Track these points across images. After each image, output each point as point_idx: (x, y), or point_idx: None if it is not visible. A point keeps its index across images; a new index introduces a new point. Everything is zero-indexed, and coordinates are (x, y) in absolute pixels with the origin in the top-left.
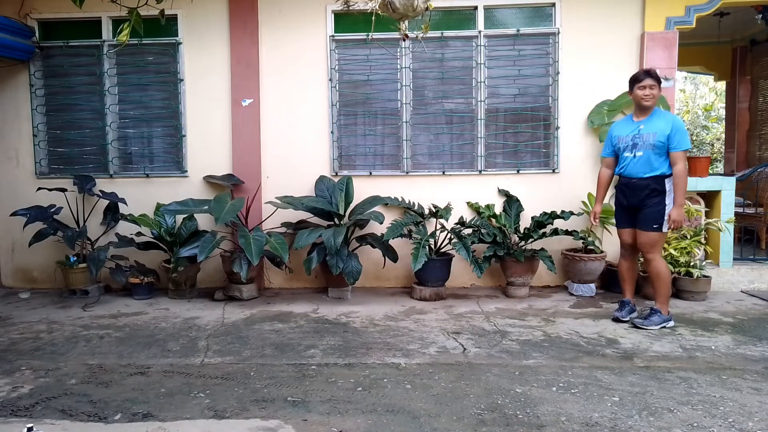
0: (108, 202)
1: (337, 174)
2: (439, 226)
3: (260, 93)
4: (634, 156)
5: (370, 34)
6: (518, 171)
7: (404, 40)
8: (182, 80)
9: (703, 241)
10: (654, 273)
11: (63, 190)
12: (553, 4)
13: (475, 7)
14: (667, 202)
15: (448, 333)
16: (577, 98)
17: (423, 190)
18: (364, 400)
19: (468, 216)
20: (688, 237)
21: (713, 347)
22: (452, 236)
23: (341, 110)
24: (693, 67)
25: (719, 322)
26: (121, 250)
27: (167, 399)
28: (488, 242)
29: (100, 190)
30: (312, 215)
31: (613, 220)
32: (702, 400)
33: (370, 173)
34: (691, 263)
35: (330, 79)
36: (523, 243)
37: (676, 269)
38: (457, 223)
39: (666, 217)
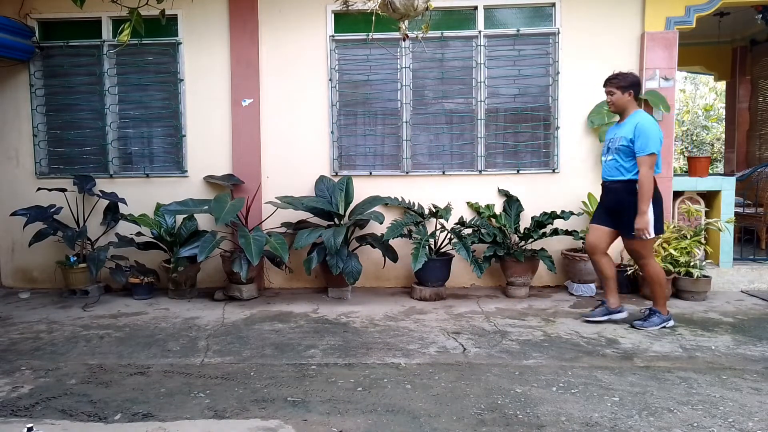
0: (108, 202)
1: (337, 174)
2: (439, 226)
3: (260, 93)
4: (606, 160)
5: (370, 34)
6: (518, 171)
7: (404, 40)
8: (182, 80)
9: (703, 241)
10: (647, 276)
11: (63, 190)
12: (553, 4)
13: (475, 7)
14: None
15: (448, 333)
16: (577, 98)
17: (423, 190)
18: (364, 400)
19: (468, 216)
20: (688, 237)
21: (713, 347)
22: (452, 236)
23: (341, 110)
24: (693, 67)
25: (719, 322)
26: (121, 250)
27: (167, 399)
28: (488, 242)
29: (100, 190)
30: (312, 215)
31: None
32: (702, 400)
33: (370, 173)
34: (691, 263)
35: (330, 79)
36: (523, 243)
37: (676, 269)
38: (457, 223)
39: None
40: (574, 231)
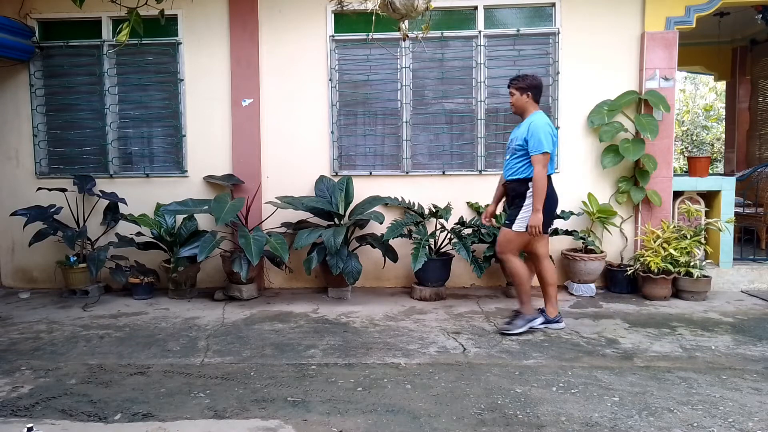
0: (108, 202)
1: (337, 174)
2: (439, 226)
3: (260, 93)
4: (505, 160)
5: (370, 34)
6: None
7: (404, 40)
8: (182, 80)
9: (703, 241)
10: (508, 274)
11: (63, 190)
12: (553, 4)
13: (475, 7)
14: (525, 204)
15: (448, 333)
16: (577, 98)
17: (423, 190)
18: (364, 400)
19: (468, 216)
20: (688, 237)
21: (713, 347)
22: (452, 236)
23: (341, 110)
24: (693, 67)
25: (719, 322)
26: (121, 250)
27: (167, 399)
28: (488, 242)
29: (100, 190)
30: (312, 215)
31: (613, 220)
32: (702, 400)
33: (370, 173)
34: (691, 263)
35: (330, 79)
36: None
37: (676, 269)
38: (457, 223)
39: (521, 219)
40: (574, 231)
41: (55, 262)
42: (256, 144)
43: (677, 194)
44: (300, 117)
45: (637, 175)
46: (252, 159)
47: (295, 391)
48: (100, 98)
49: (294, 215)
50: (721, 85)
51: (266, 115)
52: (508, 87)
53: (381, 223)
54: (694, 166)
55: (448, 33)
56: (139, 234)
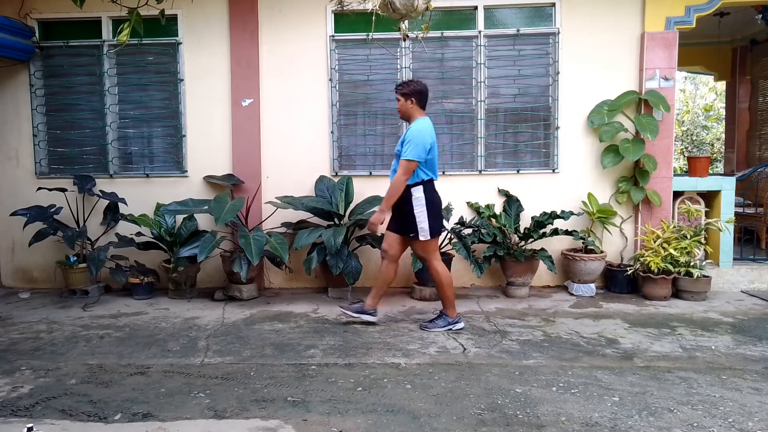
0: (108, 202)
1: (337, 174)
2: None
3: (260, 93)
4: (393, 165)
5: (370, 34)
6: (518, 171)
7: (404, 40)
8: (182, 80)
9: (703, 241)
10: (434, 278)
11: (63, 190)
12: (553, 4)
13: (475, 7)
14: (416, 212)
15: (448, 333)
16: (577, 98)
17: None
18: (364, 400)
19: (468, 216)
20: (688, 237)
21: (713, 347)
22: (452, 236)
23: (341, 110)
24: (693, 67)
25: (719, 322)
26: (121, 250)
27: (167, 399)
28: (488, 242)
29: (100, 190)
30: (312, 215)
31: (613, 220)
32: (702, 400)
33: (370, 173)
34: (691, 263)
35: (330, 79)
36: (523, 243)
37: (676, 269)
38: (457, 223)
39: (419, 226)
40: (574, 231)
41: (55, 262)
42: (256, 144)
43: (677, 194)
44: (300, 117)
45: (637, 175)
46: (252, 159)
47: (295, 391)
48: (100, 98)
49: (294, 215)
50: (721, 85)
51: (266, 115)
52: (396, 92)
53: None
54: (694, 166)
55: (448, 33)
56: (139, 234)
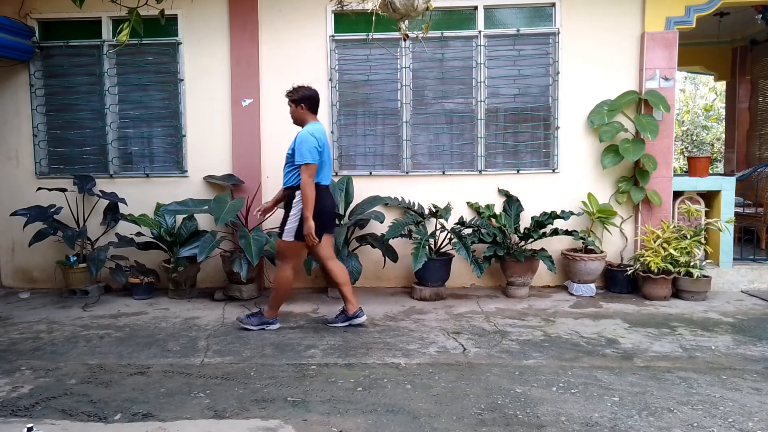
0: (108, 202)
1: (337, 174)
2: (439, 226)
3: (260, 93)
4: (284, 168)
5: (370, 34)
6: (518, 171)
7: (404, 40)
8: (182, 80)
9: (703, 241)
10: (274, 280)
11: (63, 190)
12: (553, 4)
13: (475, 7)
14: (292, 212)
15: (448, 333)
16: (577, 98)
17: (423, 190)
18: (364, 400)
19: (468, 216)
20: (688, 237)
21: (713, 347)
22: (452, 236)
23: (341, 110)
24: (693, 67)
25: (719, 322)
26: (121, 250)
27: (167, 399)
28: (488, 242)
29: (100, 190)
30: None
31: (613, 220)
32: (702, 400)
33: (370, 173)
34: (691, 263)
35: (330, 79)
36: (523, 243)
37: (676, 269)
38: (457, 223)
39: (288, 230)
40: (574, 231)
41: (55, 262)
42: (256, 144)
43: (677, 194)
44: None
45: (637, 175)
46: (252, 159)
47: (295, 391)
48: (100, 98)
49: None
50: (721, 85)
51: (266, 115)
52: (287, 98)
53: (381, 222)
54: (694, 166)
55: (448, 33)
56: (139, 234)
